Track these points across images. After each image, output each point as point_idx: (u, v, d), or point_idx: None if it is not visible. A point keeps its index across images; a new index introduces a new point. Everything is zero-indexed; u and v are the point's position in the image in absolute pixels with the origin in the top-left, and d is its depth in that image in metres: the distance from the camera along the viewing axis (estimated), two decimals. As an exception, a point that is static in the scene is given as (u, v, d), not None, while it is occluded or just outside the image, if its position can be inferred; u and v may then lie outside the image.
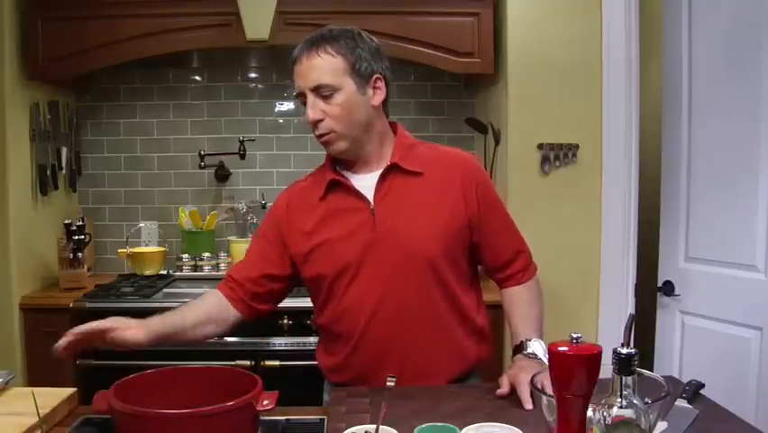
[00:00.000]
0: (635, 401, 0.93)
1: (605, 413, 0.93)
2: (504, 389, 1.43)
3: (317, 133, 1.52)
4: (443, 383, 1.55)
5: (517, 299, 1.64)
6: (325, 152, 1.60)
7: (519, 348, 1.48)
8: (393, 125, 1.63)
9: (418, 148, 1.61)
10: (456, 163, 1.59)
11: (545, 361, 1.33)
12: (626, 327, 0.98)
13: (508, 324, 1.64)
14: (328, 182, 1.57)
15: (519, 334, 1.55)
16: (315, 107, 1.48)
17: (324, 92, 1.47)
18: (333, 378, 1.64)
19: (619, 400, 0.93)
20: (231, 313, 1.60)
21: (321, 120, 1.49)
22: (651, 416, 1.01)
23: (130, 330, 1.43)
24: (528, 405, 1.34)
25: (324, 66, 1.47)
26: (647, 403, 0.98)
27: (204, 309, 1.58)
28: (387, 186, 1.55)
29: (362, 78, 1.50)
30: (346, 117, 1.49)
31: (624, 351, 0.93)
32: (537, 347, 1.39)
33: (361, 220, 1.53)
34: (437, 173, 1.56)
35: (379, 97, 1.53)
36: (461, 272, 1.58)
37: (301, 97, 1.52)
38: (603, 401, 0.94)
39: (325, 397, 1.68)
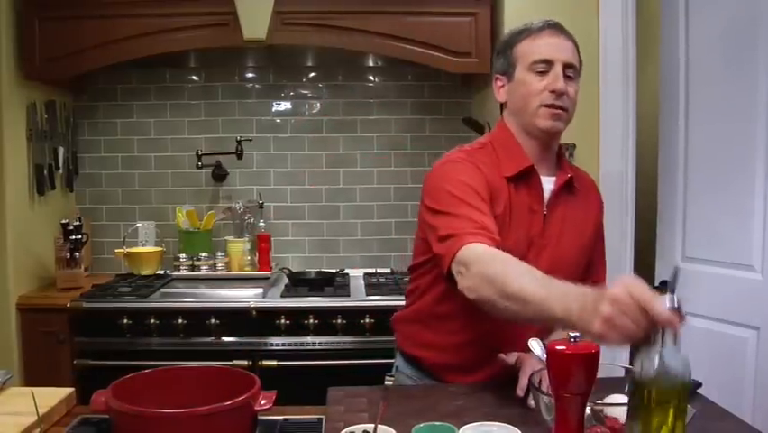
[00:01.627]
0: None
1: (646, 362, 0.91)
2: (510, 359, 1.45)
3: (557, 103, 1.48)
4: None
5: None
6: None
7: None
8: None
9: (567, 162, 1.66)
10: (594, 188, 1.68)
11: (544, 360, 1.34)
12: (671, 280, 0.99)
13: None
14: (526, 167, 1.51)
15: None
16: (563, 80, 1.48)
17: (570, 72, 1.50)
18: (420, 352, 1.61)
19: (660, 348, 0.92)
20: None
21: (564, 94, 1.48)
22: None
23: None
24: (521, 392, 1.36)
25: (575, 52, 1.53)
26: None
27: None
28: (560, 194, 1.56)
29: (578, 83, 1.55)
30: (575, 105, 1.52)
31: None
32: (535, 346, 1.40)
33: (533, 220, 1.51)
34: (586, 194, 1.63)
35: None
36: None
37: (542, 65, 1.49)
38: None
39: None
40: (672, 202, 2.44)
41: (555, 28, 1.53)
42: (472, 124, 2.90)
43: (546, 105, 1.48)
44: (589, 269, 1.63)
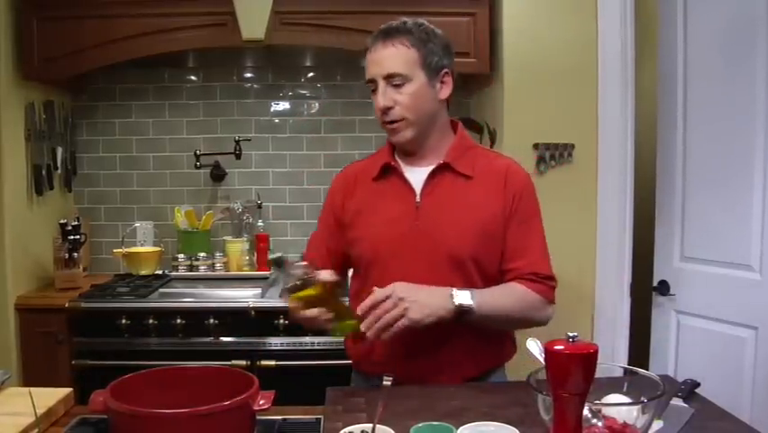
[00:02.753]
0: None
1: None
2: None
3: (387, 119, 1.55)
4: (459, 381, 1.55)
5: (500, 285, 1.58)
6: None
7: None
8: (454, 124, 1.68)
9: (475, 151, 1.66)
10: (506, 173, 1.61)
11: (542, 360, 1.34)
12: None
13: None
14: (382, 165, 1.61)
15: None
16: (386, 95, 1.54)
17: (395, 81, 1.53)
18: (360, 367, 1.68)
19: None
20: None
21: (391, 108, 1.53)
22: (647, 415, 1.02)
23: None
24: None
25: (397, 56, 1.54)
26: (643, 402, 0.99)
27: None
28: (435, 182, 1.58)
29: (432, 71, 1.56)
30: (415, 107, 1.54)
31: None
32: (533, 346, 1.40)
33: (404, 210, 1.56)
34: (486, 179, 1.59)
35: (445, 92, 1.60)
36: (489, 278, 1.57)
37: (371, 84, 1.57)
38: None
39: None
40: (670, 202, 2.44)
41: (383, 38, 1.57)
42: (471, 124, 2.90)
43: (383, 123, 1.57)
44: (506, 255, 1.58)
